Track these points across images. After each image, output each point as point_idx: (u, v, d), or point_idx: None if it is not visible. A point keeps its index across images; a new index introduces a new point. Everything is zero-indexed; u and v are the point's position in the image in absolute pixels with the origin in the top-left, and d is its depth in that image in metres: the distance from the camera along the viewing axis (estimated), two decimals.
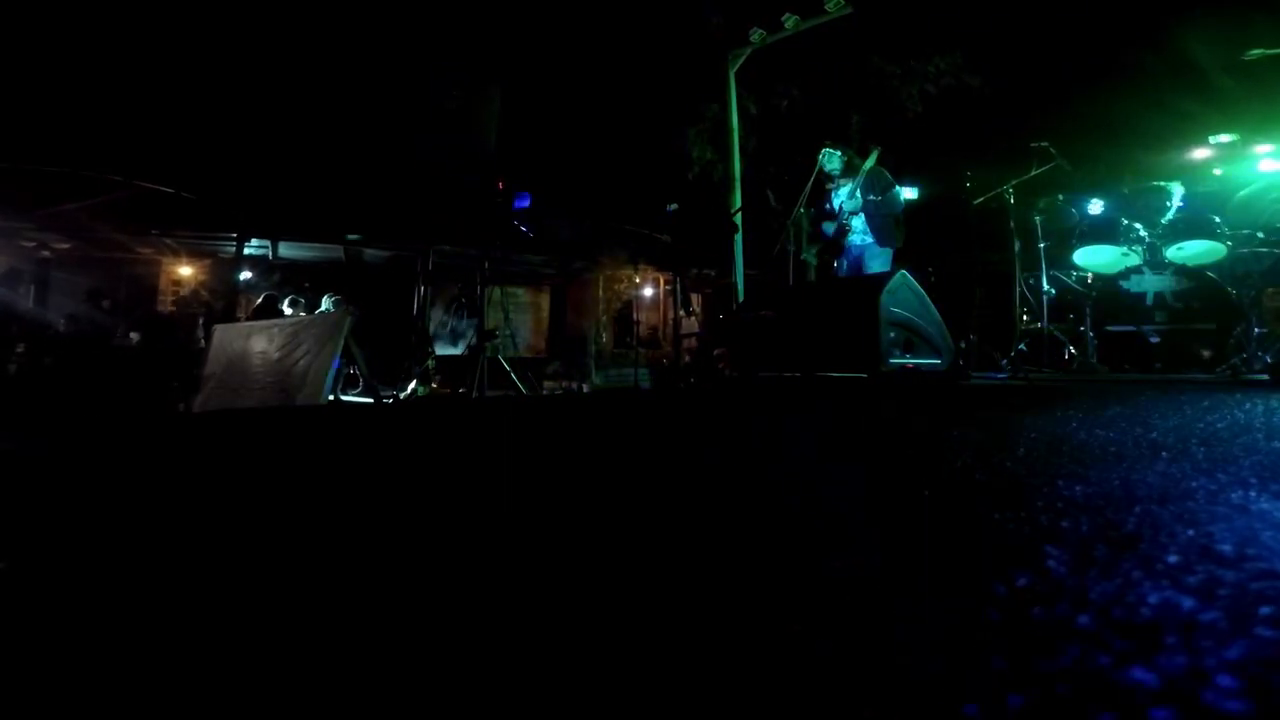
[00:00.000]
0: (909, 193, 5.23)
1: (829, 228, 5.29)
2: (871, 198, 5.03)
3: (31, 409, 5.93)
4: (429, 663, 0.49)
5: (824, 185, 5.37)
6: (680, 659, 0.48)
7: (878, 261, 5.09)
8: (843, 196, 5.21)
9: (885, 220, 5.11)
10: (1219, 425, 1.63)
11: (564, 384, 9.41)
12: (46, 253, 10.84)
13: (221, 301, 10.24)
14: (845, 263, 5.28)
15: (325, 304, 8.16)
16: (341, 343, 4.89)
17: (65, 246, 10.71)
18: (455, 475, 1.35)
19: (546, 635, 0.54)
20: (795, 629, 0.52)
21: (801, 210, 5.24)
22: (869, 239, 5.15)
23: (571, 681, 0.46)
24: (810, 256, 5.49)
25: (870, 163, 5.04)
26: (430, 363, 6.87)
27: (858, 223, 5.18)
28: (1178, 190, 4.90)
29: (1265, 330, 4.31)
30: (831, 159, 5.24)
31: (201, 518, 1.01)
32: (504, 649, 0.51)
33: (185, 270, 11.87)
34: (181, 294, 11.62)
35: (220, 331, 6.28)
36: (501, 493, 1.13)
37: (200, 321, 8.73)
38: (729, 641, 0.51)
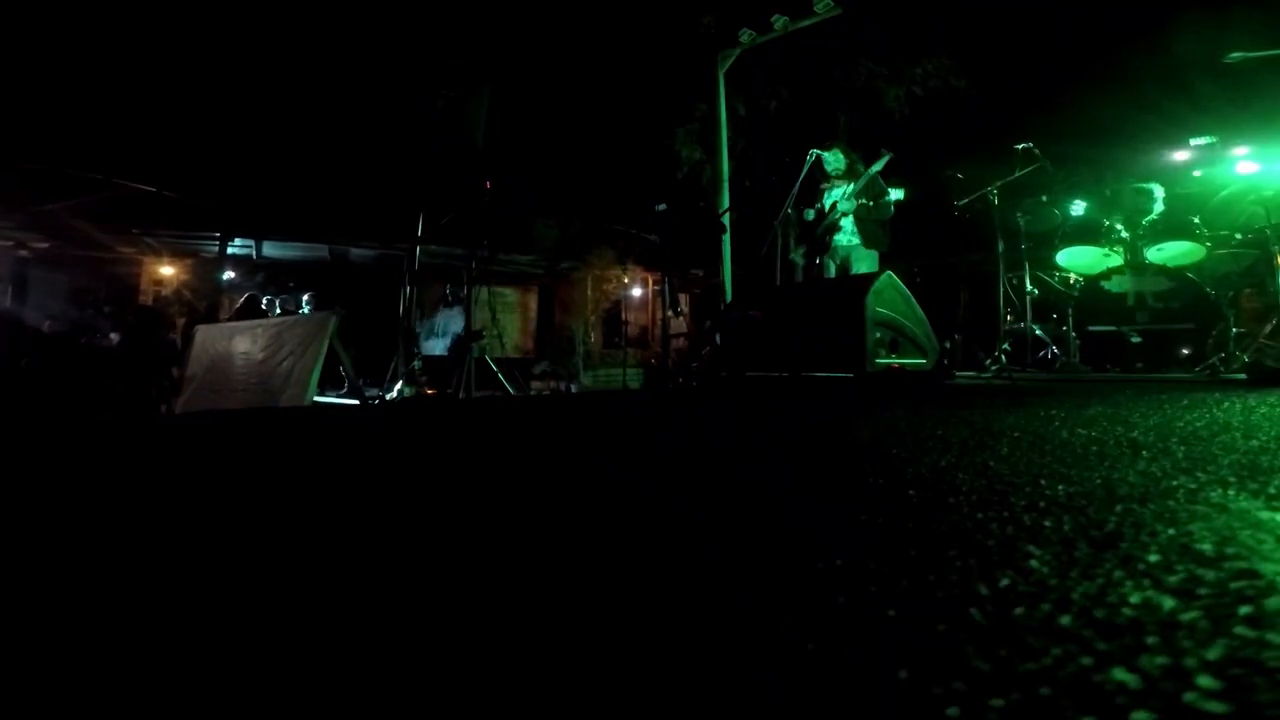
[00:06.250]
0: (895, 194, 5.28)
1: (809, 214, 5.32)
2: (864, 201, 5.07)
3: (8, 410, 5.82)
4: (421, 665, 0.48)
5: (818, 184, 5.40)
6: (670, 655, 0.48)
7: (864, 263, 5.12)
8: (836, 196, 5.23)
9: (874, 224, 5.15)
10: (1198, 424, 1.65)
11: (552, 384, 9.37)
12: (24, 252, 10.65)
13: (204, 302, 10.11)
14: (832, 264, 5.31)
15: (304, 304, 8.08)
16: (326, 344, 4.84)
17: (44, 246, 10.53)
18: (441, 479, 1.33)
19: (532, 637, 0.53)
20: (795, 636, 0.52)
21: (790, 210, 5.27)
22: (856, 240, 5.18)
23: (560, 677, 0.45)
24: (797, 257, 5.52)
25: (878, 167, 5.06)
26: (416, 364, 6.82)
27: (847, 223, 5.21)
28: (1158, 191, 4.97)
29: (1243, 330, 4.38)
30: (836, 159, 5.27)
31: (179, 522, 0.99)
32: (490, 649, 0.50)
33: (167, 270, 11.71)
34: (163, 294, 11.46)
35: (202, 332, 6.20)
36: (490, 493, 1.12)
37: (181, 322, 8.62)
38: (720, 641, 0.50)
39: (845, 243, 5.22)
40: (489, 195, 5.80)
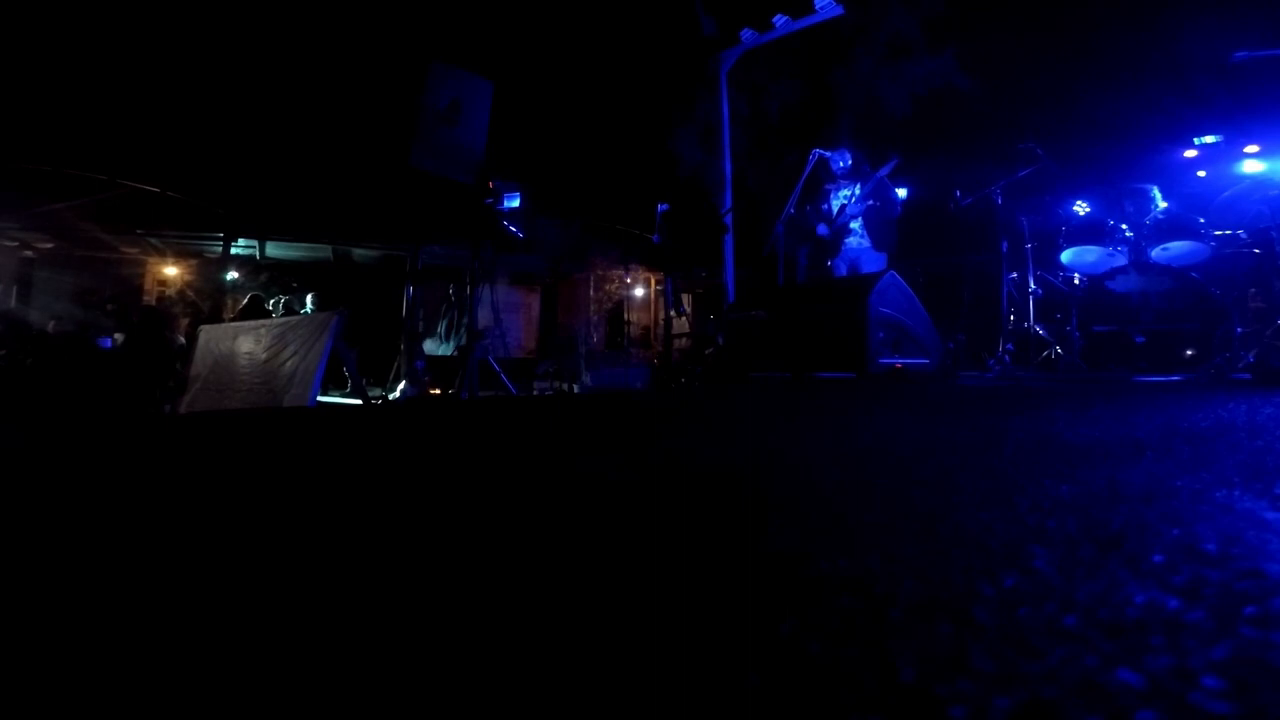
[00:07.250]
0: (899, 193, 5.27)
1: (824, 229, 5.32)
2: (873, 203, 5.07)
3: (11, 409, 5.84)
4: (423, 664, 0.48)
5: (821, 184, 5.40)
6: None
7: (874, 264, 5.12)
8: (843, 197, 5.23)
9: (883, 224, 5.15)
10: (1203, 424, 1.65)
11: (554, 384, 9.37)
12: (29, 252, 10.70)
13: (208, 302, 10.15)
14: (843, 265, 5.31)
15: (308, 304, 8.09)
16: (329, 344, 4.84)
17: (48, 246, 10.58)
18: (445, 480, 1.33)
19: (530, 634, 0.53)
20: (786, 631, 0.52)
21: (793, 210, 5.27)
22: (866, 242, 5.18)
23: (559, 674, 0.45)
24: (801, 256, 5.54)
25: (886, 171, 5.05)
26: (419, 363, 6.83)
27: (856, 226, 5.21)
28: (1154, 192, 4.95)
29: (1248, 330, 4.36)
30: (842, 159, 5.26)
31: (179, 522, 1.00)
32: (485, 647, 0.50)
33: (171, 270, 11.75)
34: (167, 294, 11.50)
35: (206, 332, 6.22)
36: (487, 495, 1.12)
37: (184, 322, 8.65)
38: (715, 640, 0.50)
39: (855, 245, 5.22)
40: (491, 195, 5.79)
